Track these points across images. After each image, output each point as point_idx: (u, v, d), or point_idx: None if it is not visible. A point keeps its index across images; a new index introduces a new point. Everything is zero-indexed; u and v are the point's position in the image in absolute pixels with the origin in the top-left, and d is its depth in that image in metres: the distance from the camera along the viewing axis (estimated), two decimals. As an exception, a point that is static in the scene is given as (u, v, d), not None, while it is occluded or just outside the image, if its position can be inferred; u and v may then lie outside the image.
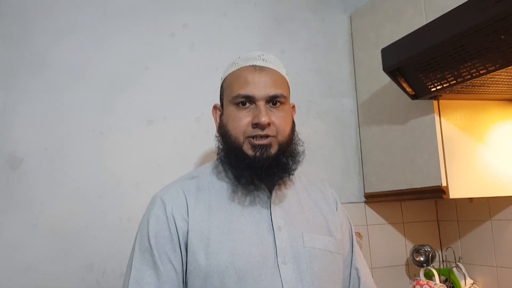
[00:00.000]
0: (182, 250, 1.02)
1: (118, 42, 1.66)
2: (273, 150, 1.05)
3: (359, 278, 1.18)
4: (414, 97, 1.50)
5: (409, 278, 1.90)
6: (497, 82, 1.37)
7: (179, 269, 1.01)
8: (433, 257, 1.79)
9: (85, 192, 1.54)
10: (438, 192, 1.50)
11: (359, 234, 1.82)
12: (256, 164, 1.04)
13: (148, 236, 1.03)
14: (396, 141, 1.71)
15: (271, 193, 1.10)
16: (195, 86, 1.72)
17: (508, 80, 1.35)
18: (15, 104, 1.53)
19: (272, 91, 1.06)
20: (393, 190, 1.72)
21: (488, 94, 1.50)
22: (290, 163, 1.08)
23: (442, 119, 1.53)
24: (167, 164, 1.64)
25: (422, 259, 1.80)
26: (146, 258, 1.02)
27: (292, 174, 1.12)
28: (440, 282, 1.73)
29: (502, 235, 1.67)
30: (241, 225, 1.04)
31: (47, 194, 1.51)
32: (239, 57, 1.13)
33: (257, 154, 1.04)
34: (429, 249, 1.80)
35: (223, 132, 1.10)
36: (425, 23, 1.41)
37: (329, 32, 1.99)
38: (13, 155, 1.50)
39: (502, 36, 1.12)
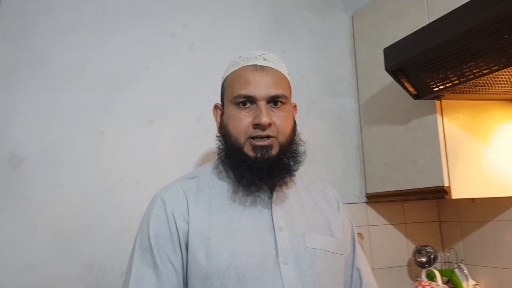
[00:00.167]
0: (182, 250, 1.02)
1: (118, 41, 1.66)
2: (274, 151, 1.05)
3: (361, 278, 1.18)
4: (416, 97, 1.49)
5: (411, 279, 1.89)
6: (500, 82, 1.36)
7: (179, 269, 1.01)
8: (435, 258, 1.79)
9: (86, 192, 1.54)
10: (440, 193, 1.49)
11: (360, 235, 1.81)
12: (257, 165, 1.03)
13: (148, 236, 1.02)
14: (398, 141, 1.70)
15: (272, 193, 1.09)
16: (196, 86, 1.72)
17: (511, 80, 1.34)
18: (16, 104, 1.52)
19: (273, 91, 1.06)
20: (395, 191, 1.72)
21: (491, 94, 1.49)
22: (291, 163, 1.08)
23: (444, 119, 1.52)
24: (168, 164, 1.63)
25: (424, 260, 1.79)
26: (146, 258, 1.01)
27: (293, 175, 1.11)
28: (442, 283, 1.72)
29: (505, 236, 1.66)
30: (242, 225, 1.03)
31: (48, 193, 1.50)
32: (240, 57, 1.12)
33: (258, 155, 1.03)
34: (431, 250, 1.79)
35: (223, 132, 1.10)
36: (427, 23, 1.41)
37: (330, 32, 1.99)
38: (13, 155, 1.50)
39: (505, 36, 1.11)
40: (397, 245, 1.91)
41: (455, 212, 1.89)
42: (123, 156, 1.60)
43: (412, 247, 1.88)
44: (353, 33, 2.00)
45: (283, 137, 1.06)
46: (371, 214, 1.90)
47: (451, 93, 1.44)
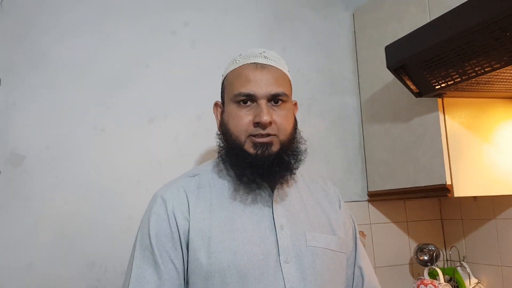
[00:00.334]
0: (183, 248, 1.01)
1: (119, 39, 1.66)
2: (275, 148, 1.04)
3: (362, 277, 1.18)
4: (418, 94, 1.49)
5: (413, 277, 1.89)
6: (502, 80, 1.35)
7: (180, 268, 1.01)
8: (437, 256, 1.78)
9: (87, 190, 1.54)
10: (442, 191, 1.49)
11: (362, 233, 1.81)
12: (257, 162, 1.03)
13: (149, 234, 1.02)
14: (400, 139, 1.69)
15: (273, 192, 1.09)
16: (196, 84, 1.71)
17: (513, 77, 1.34)
18: (17, 102, 1.52)
19: (273, 90, 1.05)
20: (396, 189, 1.71)
21: (493, 92, 1.48)
22: (292, 161, 1.07)
23: (446, 117, 1.52)
24: (168, 162, 1.63)
25: (426, 258, 1.79)
26: (146, 256, 1.01)
27: (294, 173, 1.10)
28: (444, 281, 1.71)
29: (507, 234, 1.66)
30: (243, 224, 1.03)
31: (49, 191, 1.50)
32: (241, 54, 1.12)
33: (259, 152, 1.03)
34: (433, 248, 1.79)
35: (224, 130, 1.09)
36: (428, 21, 1.40)
37: (331, 30, 1.98)
38: (14, 153, 1.50)
39: (507, 33, 1.11)
40: (399, 244, 1.90)
41: (457, 210, 1.89)
42: (124, 154, 1.60)
43: (414, 245, 1.88)
44: (354, 31, 2.00)
45: (283, 135, 1.06)
46: (373, 213, 1.90)
47: (453, 91, 1.43)
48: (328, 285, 1.05)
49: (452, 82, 1.35)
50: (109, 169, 1.57)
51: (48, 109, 1.55)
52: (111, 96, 1.62)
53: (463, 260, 1.80)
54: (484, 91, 1.47)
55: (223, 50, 1.70)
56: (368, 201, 1.90)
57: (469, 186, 1.50)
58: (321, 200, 1.17)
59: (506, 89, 1.46)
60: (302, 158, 1.10)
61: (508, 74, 1.30)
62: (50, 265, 1.46)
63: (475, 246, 1.79)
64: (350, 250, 1.18)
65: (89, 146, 1.57)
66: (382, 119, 1.80)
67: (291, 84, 1.14)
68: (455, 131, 1.52)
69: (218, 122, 1.15)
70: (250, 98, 1.05)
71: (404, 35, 1.39)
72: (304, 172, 1.21)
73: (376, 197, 1.86)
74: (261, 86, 1.04)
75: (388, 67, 1.43)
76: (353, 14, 2.01)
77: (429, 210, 1.97)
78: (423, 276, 1.78)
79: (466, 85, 1.38)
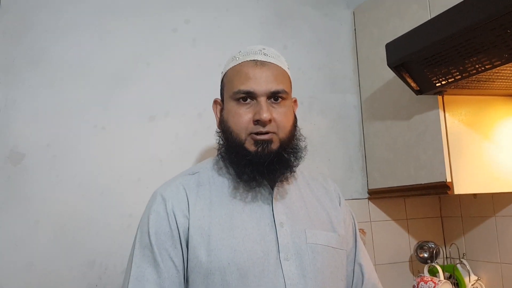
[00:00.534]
0: (183, 246, 1.01)
1: (119, 37, 1.66)
2: (274, 145, 1.04)
3: (362, 274, 1.18)
4: (418, 92, 1.48)
5: (413, 274, 1.89)
6: (502, 77, 1.35)
7: (180, 266, 1.01)
8: (437, 254, 1.78)
9: (87, 188, 1.54)
10: (442, 188, 1.49)
11: (362, 231, 1.81)
12: (257, 160, 1.02)
13: (149, 232, 1.02)
14: (400, 136, 1.69)
15: (273, 189, 1.09)
16: (197, 82, 1.71)
17: (513, 75, 1.34)
18: (17, 100, 1.52)
19: (273, 87, 1.05)
20: (397, 186, 1.71)
21: (493, 89, 1.48)
22: (292, 159, 1.07)
23: (446, 115, 1.52)
24: (169, 160, 1.63)
25: (426, 255, 1.79)
26: (146, 255, 1.01)
27: (294, 171, 1.10)
28: (444, 278, 1.72)
29: (507, 231, 1.66)
30: (243, 222, 1.03)
31: (49, 190, 1.50)
32: (240, 51, 1.11)
33: (259, 149, 1.03)
34: (433, 245, 1.79)
35: (224, 128, 1.09)
36: (429, 18, 1.40)
37: (332, 27, 1.98)
38: (14, 151, 1.50)
39: (508, 31, 1.10)
40: (399, 241, 1.90)
41: (457, 208, 1.89)
42: (124, 152, 1.60)
43: (414, 242, 1.88)
44: (355, 29, 2.00)
45: (283, 133, 1.05)
46: (373, 210, 1.90)
47: (454, 88, 1.43)
48: (328, 282, 1.04)
49: (453, 79, 1.35)
50: (110, 168, 1.57)
51: (48, 108, 1.55)
52: (112, 94, 1.62)
53: (462, 257, 1.80)
54: (485, 89, 1.47)
55: (224, 48, 1.70)
56: (369, 198, 1.90)
57: (469, 184, 1.50)
58: (321, 197, 1.17)
59: (506, 87, 1.46)
60: (302, 155, 1.10)
61: (509, 72, 1.30)
62: (51, 264, 1.46)
63: (475, 244, 1.79)
64: (350, 247, 1.18)
65: (90, 144, 1.57)
66: (382, 117, 1.80)
67: (291, 81, 1.13)
68: (456, 129, 1.52)
69: (218, 119, 1.15)
70: (249, 96, 1.04)
71: (404, 32, 1.39)
72: (304, 169, 1.21)
73: (376, 195, 1.87)
74: (261, 83, 1.04)
75: (389, 64, 1.43)
76: (354, 12, 2.01)
77: (429, 207, 1.97)
78: (423, 273, 1.78)
79: (466, 83, 1.38)
